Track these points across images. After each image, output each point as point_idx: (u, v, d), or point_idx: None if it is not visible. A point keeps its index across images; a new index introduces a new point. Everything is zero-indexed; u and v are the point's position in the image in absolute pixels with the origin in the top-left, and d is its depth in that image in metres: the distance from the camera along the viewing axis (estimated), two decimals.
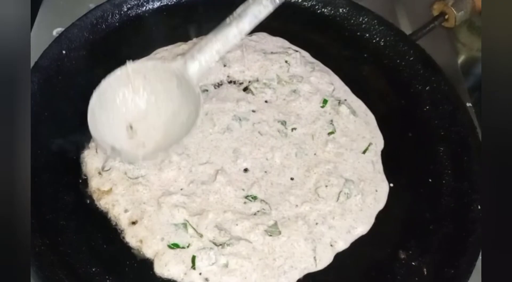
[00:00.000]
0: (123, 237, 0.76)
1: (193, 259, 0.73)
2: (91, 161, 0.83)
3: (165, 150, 0.82)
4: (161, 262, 0.73)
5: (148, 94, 0.85)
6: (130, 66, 0.83)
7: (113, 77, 0.82)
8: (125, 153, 0.80)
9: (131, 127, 0.83)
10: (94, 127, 0.80)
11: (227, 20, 0.83)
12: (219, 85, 0.95)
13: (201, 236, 0.75)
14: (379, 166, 0.87)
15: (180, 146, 0.84)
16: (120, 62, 0.95)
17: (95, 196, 0.80)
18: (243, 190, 0.81)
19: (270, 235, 0.76)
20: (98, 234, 0.76)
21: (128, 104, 0.84)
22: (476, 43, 1.16)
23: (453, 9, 1.04)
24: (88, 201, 0.80)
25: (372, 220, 0.81)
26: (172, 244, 0.74)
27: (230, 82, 0.96)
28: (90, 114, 0.80)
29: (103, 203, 0.79)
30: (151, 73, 0.84)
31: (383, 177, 0.86)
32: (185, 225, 0.76)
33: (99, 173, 0.81)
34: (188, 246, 0.75)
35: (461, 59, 1.16)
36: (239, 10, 0.83)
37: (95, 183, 0.80)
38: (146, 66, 0.85)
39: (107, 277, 0.72)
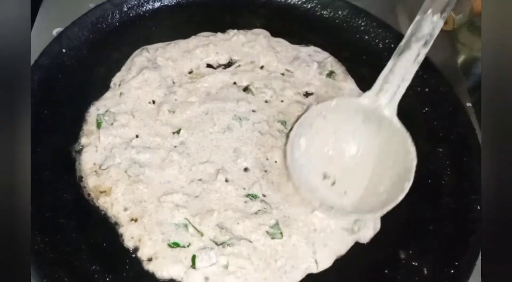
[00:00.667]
0: (123, 236, 0.76)
1: (193, 258, 0.73)
2: (85, 159, 0.83)
3: (382, 205, 0.75)
4: (160, 261, 0.73)
5: (331, 135, 0.81)
6: (313, 109, 0.81)
7: (297, 125, 0.80)
8: (333, 205, 0.75)
9: (327, 175, 0.80)
10: (297, 177, 0.77)
11: (402, 43, 0.81)
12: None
13: (201, 235, 0.75)
14: None
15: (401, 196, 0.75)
16: (120, 63, 0.96)
17: (93, 195, 0.80)
18: (244, 189, 0.81)
19: (273, 238, 0.76)
20: (98, 232, 0.76)
21: (317, 151, 0.81)
22: (476, 43, 1.16)
23: (451, 12, 1.03)
24: (87, 200, 0.79)
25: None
26: (172, 243, 0.74)
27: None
28: (291, 166, 0.76)
29: (101, 202, 0.79)
30: (331, 113, 0.81)
31: None
32: (186, 224, 0.76)
33: (95, 172, 0.81)
34: (188, 246, 0.74)
35: (461, 59, 1.16)
36: (410, 31, 0.81)
37: (91, 182, 0.80)
38: (328, 106, 0.82)
39: (106, 275, 0.72)
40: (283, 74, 0.98)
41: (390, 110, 0.80)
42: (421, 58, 0.81)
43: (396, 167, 0.78)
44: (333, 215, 0.77)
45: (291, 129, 0.83)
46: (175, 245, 0.74)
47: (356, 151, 0.83)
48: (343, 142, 0.83)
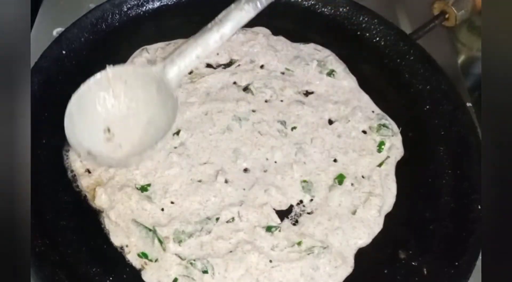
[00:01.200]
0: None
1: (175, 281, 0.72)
2: (76, 159, 0.83)
3: (139, 155, 0.82)
4: (148, 271, 0.73)
5: (129, 99, 0.85)
6: (111, 71, 0.84)
7: (93, 81, 0.83)
8: (100, 156, 0.80)
9: (108, 130, 0.84)
10: (71, 131, 0.80)
11: (209, 25, 0.85)
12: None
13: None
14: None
15: (152, 152, 0.83)
16: (120, 63, 0.95)
17: (89, 196, 0.80)
18: (243, 189, 0.81)
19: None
20: (99, 234, 0.76)
21: (107, 108, 0.85)
22: (476, 43, 1.16)
23: (453, 8, 1.03)
24: (88, 201, 0.79)
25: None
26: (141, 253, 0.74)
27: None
28: (67, 118, 0.80)
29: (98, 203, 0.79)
30: (131, 78, 0.85)
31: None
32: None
33: (88, 171, 0.81)
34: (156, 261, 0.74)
35: (461, 59, 1.16)
36: (220, 15, 0.85)
37: (85, 182, 0.80)
38: (126, 71, 0.86)
39: (107, 277, 0.72)
40: (283, 73, 0.98)
41: (174, 81, 0.85)
42: (219, 42, 0.85)
43: (161, 129, 0.83)
44: (100, 161, 0.81)
45: None
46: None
47: (140, 111, 0.86)
48: (129, 103, 0.86)
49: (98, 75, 0.83)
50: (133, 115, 0.86)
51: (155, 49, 0.99)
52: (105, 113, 0.85)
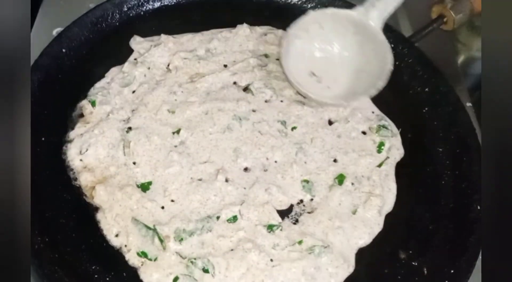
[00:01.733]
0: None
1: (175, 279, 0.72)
2: (76, 157, 0.83)
3: (354, 96, 0.90)
4: (147, 270, 0.73)
5: (326, 43, 0.94)
6: (310, 15, 0.92)
7: (294, 27, 0.92)
8: (310, 94, 0.89)
9: (313, 74, 0.91)
10: (287, 70, 0.90)
11: None
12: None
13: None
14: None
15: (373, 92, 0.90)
16: (120, 62, 0.95)
17: (88, 194, 0.80)
18: (244, 188, 0.81)
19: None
20: (98, 232, 0.76)
21: (306, 53, 0.94)
22: (476, 43, 1.17)
23: (451, 12, 1.03)
24: (87, 199, 0.79)
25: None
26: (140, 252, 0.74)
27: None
28: (284, 58, 0.91)
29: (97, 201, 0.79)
30: (328, 22, 0.93)
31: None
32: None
33: (88, 169, 0.81)
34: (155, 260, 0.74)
35: (461, 59, 1.16)
36: None
37: (84, 180, 0.80)
38: (324, 14, 0.93)
39: (106, 275, 0.72)
40: (283, 73, 0.98)
41: (377, 24, 0.91)
42: None
43: (373, 70, 0.92)
44: (316, 101, 0.91)
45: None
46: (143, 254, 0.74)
47: (340, 55, 0.96)
48: (330, 46, 0.96)
49: (299, 21, 0.93)
50: (333, 59, 0.94)
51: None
52: (307, 58, 0.94)
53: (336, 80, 0.93)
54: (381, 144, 0.90)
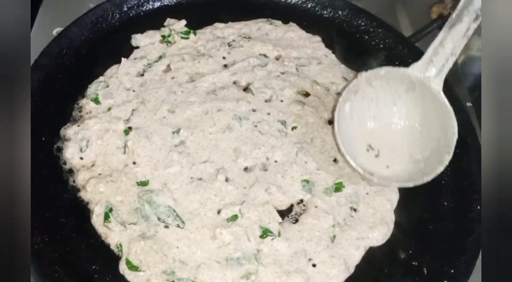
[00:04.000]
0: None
1: None
2: (75, 156, 0.83)
3: (420, 177, 0.78)
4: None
5: (373, 102, 0.83)
6: (363, 76, 0.82)
7: (346, 91, 0.81)
8: (371, 176, 0.78)
9: (371, 147, 0.81)
10: (343, 145, 0.78)
11: (454, 15, 0.79)
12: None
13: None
14: None
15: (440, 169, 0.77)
16: (120, 62, 0.95)
17: (83, 191, 0.79)
18: (244, 188, 0.81)
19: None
20: (98, 231, 0.76)
21: (360, 118, 0.83)
22: (476, 43, 1.16)
23: (451, 12, 1.03)
24: (85, 197, 0.79)
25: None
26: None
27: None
28: (338, 134, 0.78)
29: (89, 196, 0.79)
30: (378, 80, 0.83)
31: None
32: None
33: (86, 168, 0.81)
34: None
35: (461, 59, 1.16)
36: (462, 3, 0.78)
37: (82, 179, 0.80)
38: (377, 73, 0.83)
39: (106, 274, 0.72)
40: (283, 73, 0.98)
41: (437, 84, 0.81)
42: (470, 33, 0.80)
43: (436, 140, 0.80)
44: (375, 182, 0.79)
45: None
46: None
47: (397, 121, 0.84)
48: (385, 110, 0.85)
49: (350, 84, 0.82)
50: (388, 124, 0.83)
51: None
52: (361, 125, 0.82)
53: (394, 156, 0.82)
54: None
